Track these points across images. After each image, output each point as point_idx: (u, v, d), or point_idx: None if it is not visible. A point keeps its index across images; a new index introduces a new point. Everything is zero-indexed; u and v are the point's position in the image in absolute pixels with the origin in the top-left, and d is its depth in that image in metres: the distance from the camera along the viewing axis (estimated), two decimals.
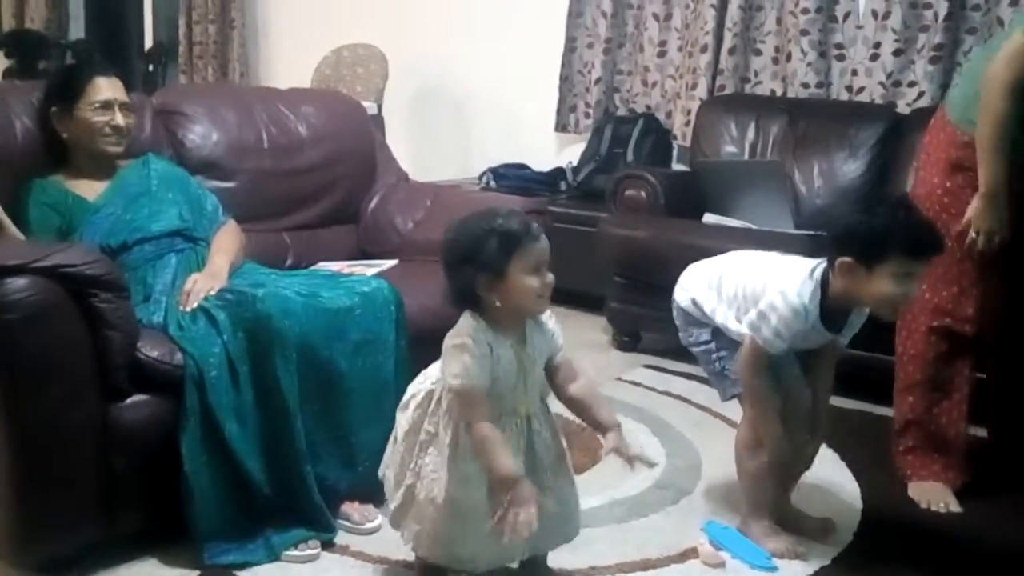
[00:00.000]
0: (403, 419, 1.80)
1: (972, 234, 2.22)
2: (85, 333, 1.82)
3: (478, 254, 1.65)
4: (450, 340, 1.68)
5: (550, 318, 1.79)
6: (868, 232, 1.84)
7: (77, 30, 6.30)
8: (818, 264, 1.96)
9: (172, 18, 5.89)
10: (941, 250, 1.92)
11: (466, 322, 1.69)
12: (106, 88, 2.27)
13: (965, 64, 3.27)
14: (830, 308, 1.94)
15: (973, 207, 2.20)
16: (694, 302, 2.13)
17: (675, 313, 2.18)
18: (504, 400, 1.70)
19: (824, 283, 1.93)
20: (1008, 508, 2.34)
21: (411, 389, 1.82)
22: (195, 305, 2.04)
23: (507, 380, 1.69)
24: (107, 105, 2.25)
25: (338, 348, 2.05)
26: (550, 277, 1.68)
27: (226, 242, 2.32)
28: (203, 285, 2.08)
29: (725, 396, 2.16)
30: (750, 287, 2.01)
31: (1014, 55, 2.09)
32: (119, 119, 2.26)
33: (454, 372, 1.65)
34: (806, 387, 2.09)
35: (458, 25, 4.80)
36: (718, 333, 2.10)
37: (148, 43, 6.01)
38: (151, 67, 5.66)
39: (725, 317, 2.06)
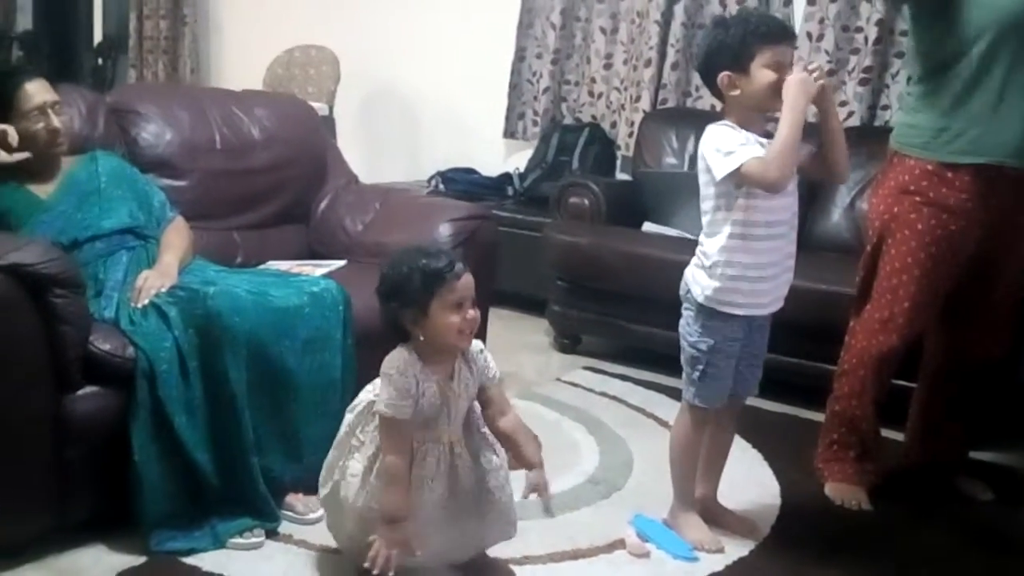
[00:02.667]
0: (347, 420, 1.91)
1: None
2: (39, 327, 1.87)
3: (403, 290, 1.75)
4: (384, 367, 1.79)
5: (481, 352, 1.87)
6: (729, 41, 2.01)
7: (25, 21, 6.22)
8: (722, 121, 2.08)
9: (122, 12, 5.86)
10: (793, 33, 2.07)
11: (398, 354, 1.79)
12: (36, 93, 2.25)
13: None
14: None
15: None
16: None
17: (684, 292, 2.18)
18: (428, 429, 1.81)
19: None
20: (916, 508, 2.50)
21: (362, 393, 1.91)
22: (146, 302, 2.10)
23: (431, 411, 1.79)
24: (41, 110, 2.24)
25: (287, 345, 2.12)
26: (472, 314, 1.76)
27: (175, 239, 2.38)
28: (154, 282, 2.15)
29: (685, 396, 2.20)
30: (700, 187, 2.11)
31: None
32: (54, 122, 2.26)
33: (382, 398, 1.76)
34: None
35: (411, 30, 4.88)
36: (717, 346, 2.11)
37: (98, 37, 5.97)
38: (100, 61, 5.63)
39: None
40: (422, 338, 1.77)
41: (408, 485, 1.77)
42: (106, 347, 1.98)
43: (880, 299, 2.42)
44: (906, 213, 2.36)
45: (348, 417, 1.90)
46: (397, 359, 1.77)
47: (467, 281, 1.77)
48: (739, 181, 2.01)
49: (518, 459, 1.87)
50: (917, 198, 2.34)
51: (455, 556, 1.94)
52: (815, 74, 2.01)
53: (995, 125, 2.26)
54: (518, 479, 1.90)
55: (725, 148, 2.01)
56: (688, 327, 2.15)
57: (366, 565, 1.72)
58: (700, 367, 2.13)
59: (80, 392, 1.95)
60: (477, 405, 1.90)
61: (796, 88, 1.98)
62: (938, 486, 2.59)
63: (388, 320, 1.79)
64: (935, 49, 2.31)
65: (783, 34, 2.04)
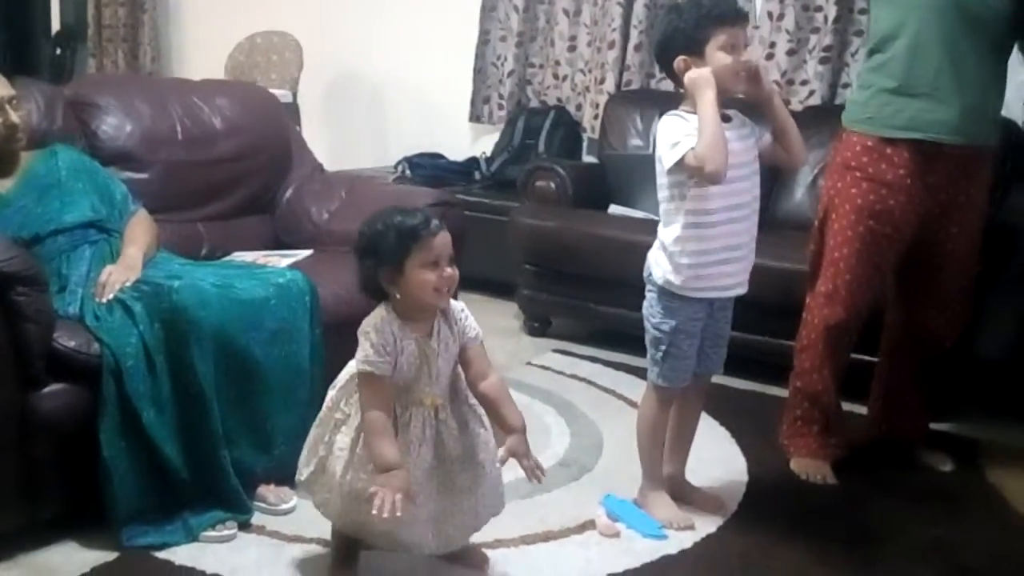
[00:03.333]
0: (330, 396, 1.89)
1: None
2: (2, 325, 1.86)
3: (379, 248, 1.75)
4: (362, 326, 1.78)
5: (462, 311, 1.86)
6: (682, 25, 2.05)
7: None
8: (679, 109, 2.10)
9: (80, 0, 5.77)
10: (745, 15, 2.10)
11: (376, 312, 1.79)
12: None
13: None
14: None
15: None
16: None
17: (647, 275, 2.20)
18: (410, 391, 1.80)
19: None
20: (880, 480, 2.56)
21: (344, 371, 1.89)
22: (111, 297, 2.09)
23: (410, 371, 1.78)
24: None
25: (254, 337, 2.12)
26: (449, 271, 1.75)
27: (138, 233, 2.36)
28: (118, 277, 2.14)
29: (650, 376, 2.23)
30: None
31: None
32: (12, 117, 2.23)
33: (359, 357, 1.76)
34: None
35: (373, 15, 4.85)
36: (679, 327, 2.14)
37: (56, 26, 5.87)
38: (59, 51, 5.54)
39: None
40: (399, 296, 1.76)
41: (394, 435, 1.75)
42: (71, 344, 1.97)
43: (825, 273, 2.47)
44: (847, 188, 2.41)
45: (331, 393, 1.89)
46: (375, 317, 1.77)
47: (443, 239, 1.76)
48: (687, 171, 2.04)
49: (499, 423, 1.85)
50: (858, 173, 2.39)
51: (455, 536, 1.91)
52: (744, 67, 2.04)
53: (933, 102, 2.31)
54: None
55: (671, 139, 2.04)
56: (651, 308, 2.18)
57: (374, 512, 1.65)
58: (663, 347, 2.16)
59: (46, 389, 1.94)
60: (463, 375, 1.88)
61: (692, 83, 2.02)
62: (900, 458, 2.65)
63: (365, 278, 1.78)
64: (879, 25, 2.37)
65: (736, 16, 2.07)
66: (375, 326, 1.76)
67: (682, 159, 2.00)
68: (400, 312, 1.78)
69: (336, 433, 1.84)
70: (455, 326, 1.85)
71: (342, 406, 1.85)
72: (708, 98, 2.00)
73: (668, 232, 2.11)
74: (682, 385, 2.22)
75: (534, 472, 1.82)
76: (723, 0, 2.06)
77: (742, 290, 2.18)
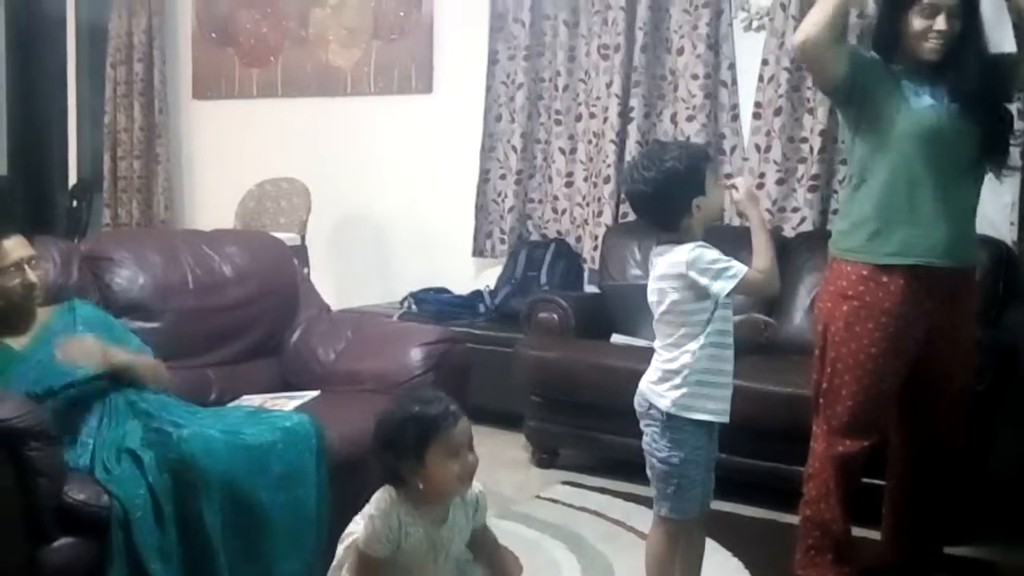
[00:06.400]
0: (338, 551, 1.89)
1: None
2: (13, 479, 1.89)
3: (398, 441, 1.75)
4: (367, 508, 1.79)
5: (480, 493, 1.87)
6: (683, 170, 2.11)
7: (0, 165, 6.36)
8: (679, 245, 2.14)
9: (97, 153, 5.99)
10: (711, 155, 2.19)
11: (382, 495, 1.80)
12: (13, 250, 2.32)
13: None
14: None
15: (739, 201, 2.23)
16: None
17: (644, 411, 2.21)
18: (410, 572, 1.79)
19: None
20: None
21: (352, 524, 1.89)
22: (69, 356, 2.18)
23: (415, 556, 1.78)
24: (17, 266, 2.31)
25: (260, 482, 2.14)
26: (471, 458, 1.76)
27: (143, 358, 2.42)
28: (89, 344, 2.23)
29: (658, 510, 2.22)
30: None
31: None
32: (30, 276, 2.32)
33: (361, 536, 1.77)
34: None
35: (377, 159, 5.04)
36: (688, 457, 2.15)
37: (72, 178, 6.10)
38: (75, 203, 5.72)
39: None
40: (421, 487, 1.76)
41: None
42: (81, 496, 2.00)
43: (829, 403, 2.49)
44: (846, 317, 2.44)
45: (339, 548, 1.89)
46: (381, 501, 1.77)
47: (463, 426, 1.76)
48: (737, 292, 2.11)
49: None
50: (855, 302, 2.43)
51: None
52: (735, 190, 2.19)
53: (919, 229, 2.38)
54: None
55: (719, 264, 2.09)
56: (655, 443, 2.19)
57: None
58: (675, 481, 2.16)
59: (55, 544, 1.96)
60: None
61: (742, 202, 2.16)
62: None
63: (387, 471, 1.78)
64: (859, 158, 2.46)
65: (707, 156, 2.28)
66: (382, 511, 1.76)
67: (740, 282, 2.07)
68: (416, 498, 1.78)
69: None
70: (470, 511, 1.85)
71: (344, 571, 1.84)
72: (759, 214, 2.12)
73: (679, 353, 2.13)
74: (692, 515, 2.21)
75: None
76: (702, 146, 2.18)
77: (727, 418, 2.19)
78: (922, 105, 2.39)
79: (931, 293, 2.41)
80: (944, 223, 2.38)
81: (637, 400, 2.22)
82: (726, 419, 2.19)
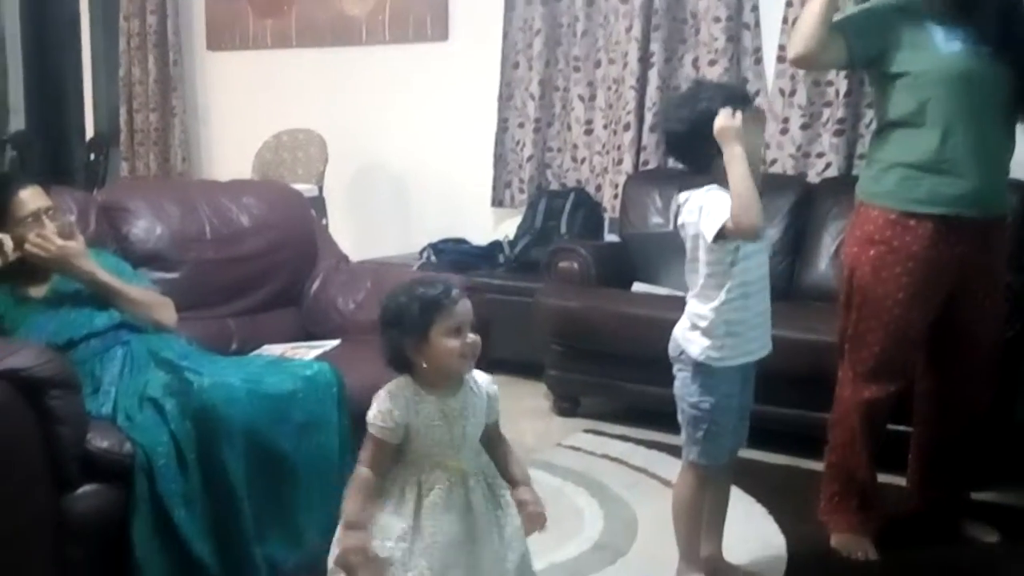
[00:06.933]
0: None
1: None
2: (36, 428, 1.90)
3: (402, 319, 1.77)
4: (380, 391, 1.80)
5: (491, 384, 1.86)
6: (717, 111, 2.06)
7: (18, 122, 6.35)
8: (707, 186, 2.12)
9: (113, 107, 5.98)
10: (750, 98, 2.18)
11: (397, 380, 1.81)
12: (29, 200, 2.31)
13: None
14: None
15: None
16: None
17: (675, 355, 2.21)
18: (431, 455, 1.78)
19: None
20: (923, 556, 2.49)
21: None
22: (42, 247, 2.21)
23: (429, 433, 1.77)
24: (35, 216, 2.30)
25: (282, 431, 2.14)
26: (472, 338, 1.77)
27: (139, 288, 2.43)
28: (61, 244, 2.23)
29: (686, 455, 2.21)
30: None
31: None
32: (50, 227, 2.31)
33: (368, 416, 1.78)
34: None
35: (394, 109, 4.99)
36: (719, 403, 2.14)
37: (89, 132, 6.09)
38: (93, 156, 5.73)
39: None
40: (425, 365, 1.77)
41: (372, 499, 1.75)
42: (104, 444, 2.00)
43: (855, 349, 2.45)
44: (872, 261, 2.40)
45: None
46: (393, 383, 1.79)
47: (464, 306, 1.78)
48: (727, 238, 2.05)
49: (506, 478, 1.85)
50: (883, 247, 2.39)
51: None
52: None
53: (951, 177, 2.33)
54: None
55: (716, 212, 2.06)
56: (686, 388, 2.17)
57: (331, 563, 1.71)
58: (704, 426, 2.15)
59: (79, 491, 1.96)
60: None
61: (723, 133, 2.05)
62: (943, 530, 2.58)
63: (390, 350, 1.79)
64: (891, 104, 2.40)
65: (746, 99, 2.17)
66: (389, 390, 1.78)
67: (722, 228, 2.03)
68: (424, 381, 1.79)
69: None
70: (486, 401, 1.84)
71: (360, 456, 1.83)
72: (739, 152, 2.03)
73: (705, 306, 2.12)
74: (722, 461, 2.19)
75: (535, 519, 1.81)
76: (736, 87, 2.12)
77: (767, 350, 2.19)
78: (952, 49, 2.32)
79: (960, 240, 2.36)
80: (975, 172, 2.33)
81: (670, 345, 2.21)
82: (763, 354, 2.18)
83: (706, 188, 2.11)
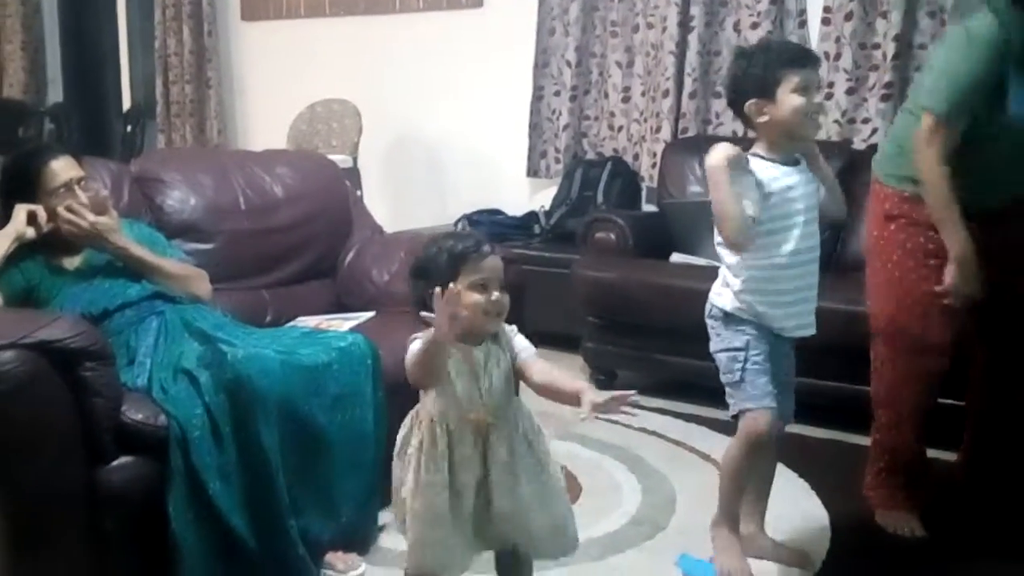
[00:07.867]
0: (394, 468, 1.84)
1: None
2: (71, 400, 1.89)
3: (430, 268, 1.74)
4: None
5: (512, 329, 1.81)
6: (752, 69, 2.04)
7: (55, 94, 6.39)
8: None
9: (149, 78, 5.99)
10: (816, 57, 2.14)
11: (423, 332, 1.76)
12: (61, 171, 2.30)
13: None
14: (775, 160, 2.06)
15: (949, 272, 2.23)
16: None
17: (708, 313, 2.19)
18: (458, 406, 1.74)
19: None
20: (970, 530, 2.42)
21: (401, 429, 1.85)
22: (75, 223, 2.22)
23: (456, 383, 1.73)
24: (67, 187, 2.29)
25: (317, 403, 2.12)
26: (497, 295, 1.72)
27: (173, 261, 2.43)
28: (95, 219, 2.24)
29: (733, 410, 2.16)
30: None
31: (928, 138, 2.19)
32: (81, 198, 2.30)
33: (407, 358, 1.74)
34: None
35: (428, 78, 4.93)
36: (752, 343, 2.11)
37: (126, 104, 6.11)
38: (129, 128, 5.75)
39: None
40: None
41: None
42: (138, 416, 1.99)
43: (895, 323, 2.38)
44: (895, 236, 2.34)
45: (394, 465, 1.83)
46: (422, 333, 1.73)
47: (493, 262, 1.74)
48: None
49: (564, 398, 1.74)
50: (903, 220, 2.33)
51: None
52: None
53: (981, 186, 2.22)
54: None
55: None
56: (717, 338, 2.16)
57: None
58: (739, 364, 2.10)
59: (114, 463, 1.96)
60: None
61: (709, 170, 2.01)
62: (991, 505, 2.51)
63: (416, 298, 1.77)
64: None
65: (807, 58, 2.09)
66: (422, 335, 1.72)
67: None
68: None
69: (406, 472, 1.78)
70: (506, 346, 1.79)
71: (412, 442, 1.78)
72: (717, 179, 1.99)
73: (735, 279, 2.09)
74: (770, 405, 2.10)
75: (620, 403, 1.69)
76: (792, 43, 2.05)
77: (808, 332, 2.14)
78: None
79: (987, 220, 2.26)
80: (1004, 178, 2.24)
81: (706, 309, 2.18)
82: (802, 333, 2.14)
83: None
